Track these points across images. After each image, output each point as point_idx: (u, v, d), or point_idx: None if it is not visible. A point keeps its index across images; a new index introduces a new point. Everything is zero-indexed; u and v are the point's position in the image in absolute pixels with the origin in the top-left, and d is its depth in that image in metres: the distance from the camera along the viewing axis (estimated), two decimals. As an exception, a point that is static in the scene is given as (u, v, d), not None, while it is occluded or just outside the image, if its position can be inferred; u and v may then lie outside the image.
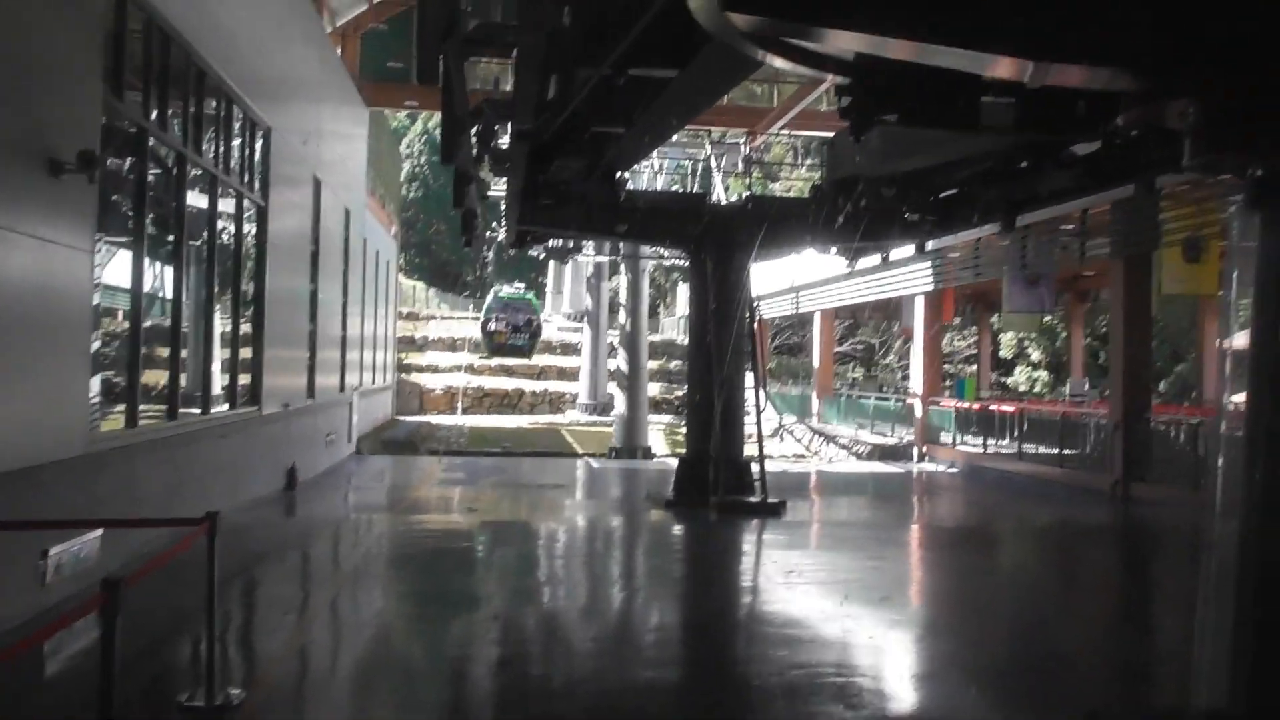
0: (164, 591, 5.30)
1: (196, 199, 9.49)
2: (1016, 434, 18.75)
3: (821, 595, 7.66)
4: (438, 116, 16.06)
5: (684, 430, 14.79)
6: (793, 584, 8.19)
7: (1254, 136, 4.19)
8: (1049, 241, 17.64)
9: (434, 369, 41.53)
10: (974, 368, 36.25)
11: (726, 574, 9.19)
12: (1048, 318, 32.30)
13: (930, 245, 18.53)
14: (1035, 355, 40.36)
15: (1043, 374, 39.52)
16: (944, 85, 6.36)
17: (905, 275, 22.50)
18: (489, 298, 32.48)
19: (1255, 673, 3.91)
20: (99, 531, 6.39)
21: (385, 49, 19.93)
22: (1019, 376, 40.14)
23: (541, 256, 31.50)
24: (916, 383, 23.36)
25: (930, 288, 21.78)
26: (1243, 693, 3.91)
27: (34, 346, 5.95)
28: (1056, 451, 17.08)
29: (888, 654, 6.15)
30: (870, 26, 4.90)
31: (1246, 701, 3.90)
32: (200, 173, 9.40)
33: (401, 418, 32.24)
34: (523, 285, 37.63)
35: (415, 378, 39.86)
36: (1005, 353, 40.22)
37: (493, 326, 30.60)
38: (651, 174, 24.55)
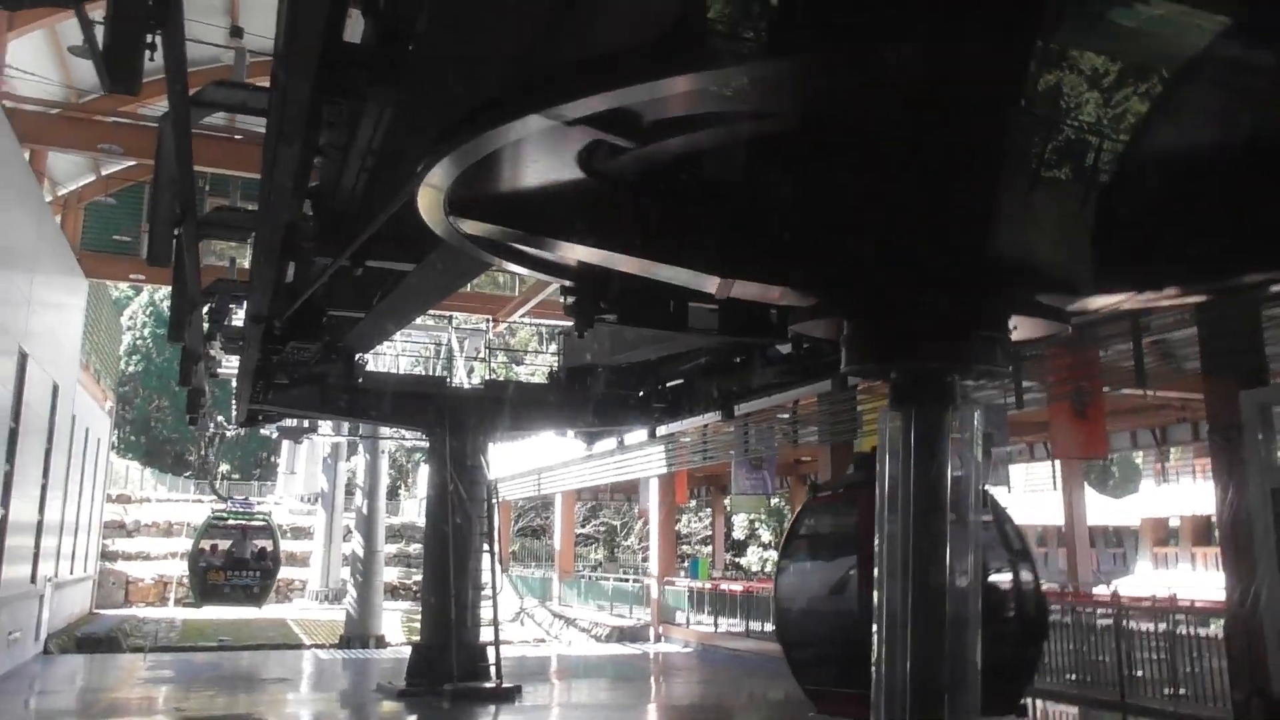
0: None
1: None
2: (743, 613, 19.62)
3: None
4: (165, 289, 15.49)
5: (420, 616, 14.40)
6: (521, 771, 8.15)
7: (891, 348, 5.08)
8: (768, 428, 19.22)
9: (145, 556, 37.92)
10: (710, 548, 37.70)
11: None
12: (774, 500, 34.53)
13: (663, 430, 19.69)
14: (766, 536, 42.65)
15: (773, 554, 41.70)
16: (657, 291, 7.16)
17: (641, 458, 23.52)
18: (203, 520, 21.68)
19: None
20: None
21: (111, 221, 19.19)
22: (751, 556, 42.10)
23: (274, 435, 29.10)
24: (654, 563, 24.03)
25: (664, 470, 22.85)
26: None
27: None
28: (780, 628, 17.97)
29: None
30: (593, 243, 5.57)
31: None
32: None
33: (103, 611, 28.97)
34: (256, 501, 27.35)
35: (122, 566, 36.19)
36: (739, 534, 42.21)
37: (205, 562, 20.47)
38: (394, 355, 24.63)
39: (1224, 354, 9.37)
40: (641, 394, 14.14)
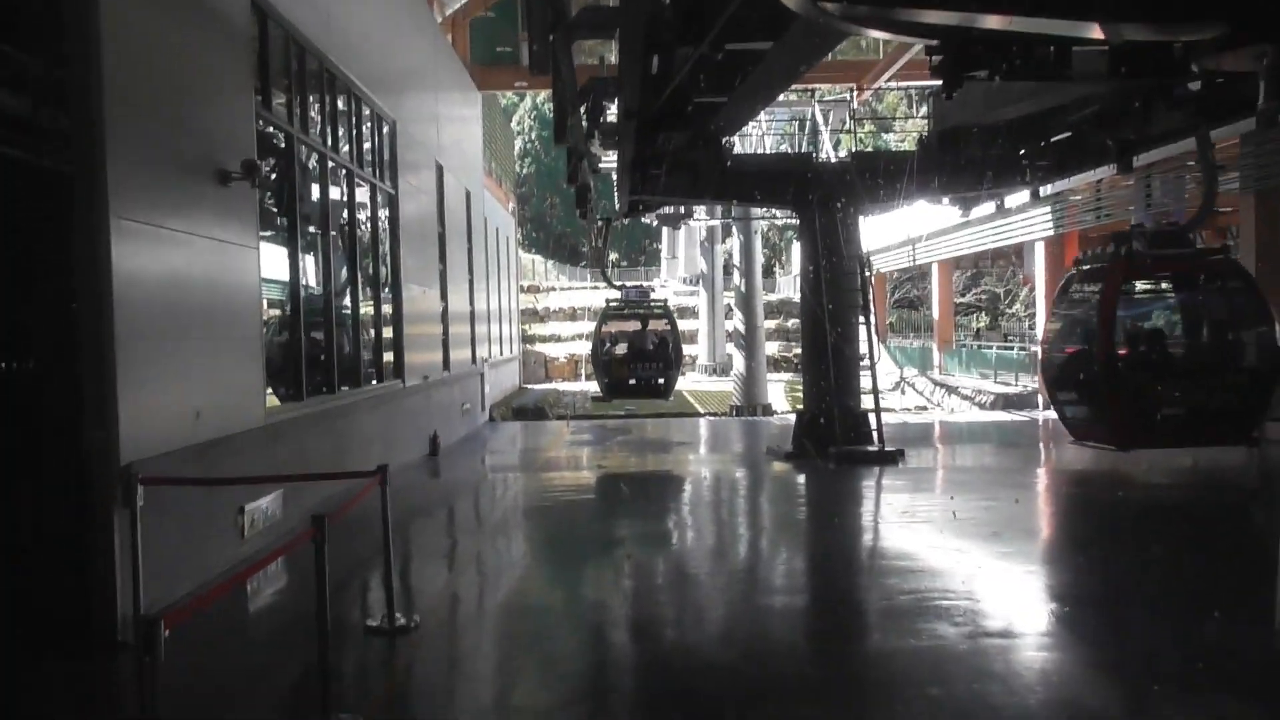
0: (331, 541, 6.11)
1: (335, 192, 10.36)
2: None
3: (933, 532, 8.02)
4: (546, 93, 16.43)
5: (802, 386, 15.10)
6: (906, 523, 8.60)
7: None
8: (1176, 179, 17.13)
9: (556, 338, 42.86)
10: (1104, 311, 35.06)
11: (844, 516, 9.62)
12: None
13: (1048, 190, 18.23)
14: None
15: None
16: (1033, 39, 6.55)
17: (1024, 222, 22.16)
18: (601, 310, 20.52)
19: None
20: (280, 490, 7.30)
21: (493, 34, 20.77)
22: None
23: (654, 223, 30.60)
24: (1041, 330, 22.98)
25: (1051, 233, 21.40)
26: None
27: (217, 334, 6.84)
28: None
29: (991, 582, 6.51)
30: (959, 5, 5.22)
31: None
32: (337, 168, 10.26)
33: (529, 386, 33.47)
34: (651, 286, 25.82)
35: (539, 347, 41.27)
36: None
37: (607, 354, 19.43)
38: (759, 135, 24.70)
39: None
40: (1022, 152, 13.14)
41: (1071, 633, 5.52)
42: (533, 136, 60.30)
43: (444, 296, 15.37)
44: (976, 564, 6.88)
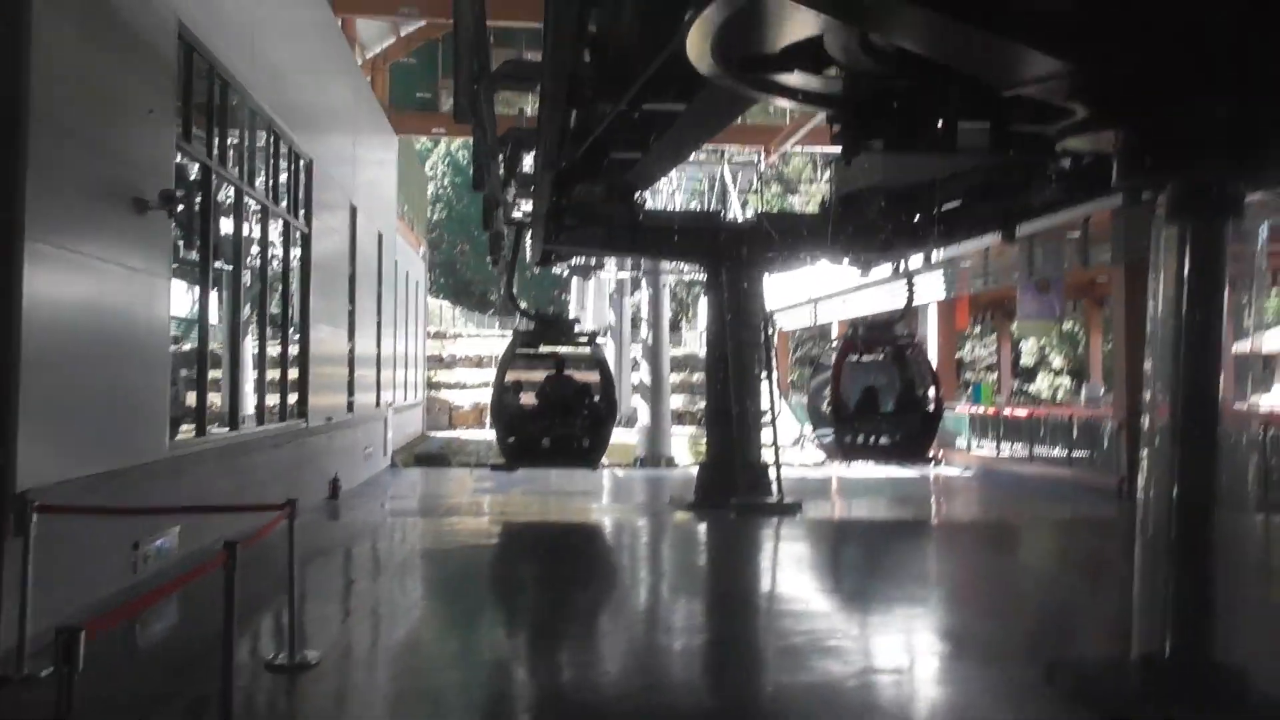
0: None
1: (249, 228, 10.33)
2: (1028, 438, 19.30)
3: (826, 578, 8.34)
4: (460, 140, 16.57)
5: (705, 439, 15.41)
6: (801, 570, 8.91)
7: (1168, 158, 4.88)
8: (1055, 249, 18.22)
9: (462, 386, 42.54)
10: (994, 375, 36.68)
11: (742, 563, 9.88)
12: (1068, 324, 32.81)
13: (940, 255, 19.17)
14: (1057, 362, 40.81)
15: (1065, 380, 39.93)
16: (924, 113, 7.10)
17: (918, 284, 23.13)
18: (505, 347, 14.48)
19: (1177, 623, 4.63)
20: (177, 527, 7.20)
21: (413, 79, 20.94)
22: (1041, 383, 40.54)
23: (565, 274, 30.76)
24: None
25: (943, 296, 22.39)
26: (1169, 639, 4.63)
27: (124, 363, 6.77)
28: (1066, 453, 17.61)
29: (877, 626, 6.83)
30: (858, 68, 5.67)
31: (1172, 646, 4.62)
32: (252, 203, 10.25)
33: (432, 433, 33.09)
34: (588, 331, 15.73)
35: (444, 394, 40.88)
36: (1027, 360, 40.65)
37: (511, 407, 14.06)
38: (670, 192, 25.30)
39: None
40: (917, 218, 13.89)
41: (949, 670, 5.86)
42: (445, 182, 60.28)
43: (351, 338, 15.29)
44: (865, 608, 7.22)
